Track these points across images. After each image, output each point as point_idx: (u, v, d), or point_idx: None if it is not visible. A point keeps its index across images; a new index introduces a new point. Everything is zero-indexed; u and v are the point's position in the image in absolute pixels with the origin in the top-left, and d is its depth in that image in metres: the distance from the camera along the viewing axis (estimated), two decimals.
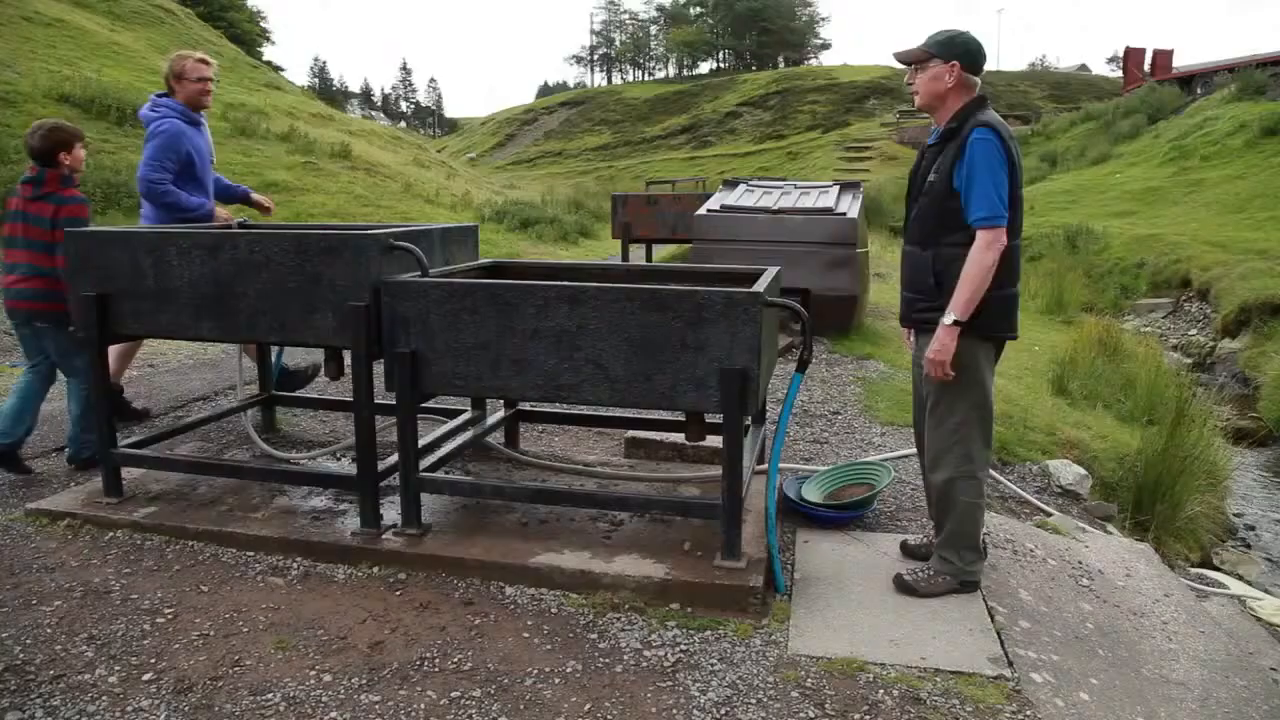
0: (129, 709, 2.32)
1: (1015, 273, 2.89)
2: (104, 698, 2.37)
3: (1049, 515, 4.14)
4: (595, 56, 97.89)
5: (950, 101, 2.85)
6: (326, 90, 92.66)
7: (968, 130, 2.77)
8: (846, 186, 7.87)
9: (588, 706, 2.37)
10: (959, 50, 2.82)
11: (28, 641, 2.61)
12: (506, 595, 2.94)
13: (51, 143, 3.83)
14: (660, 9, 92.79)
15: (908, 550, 3.29)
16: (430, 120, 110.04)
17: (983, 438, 2.96)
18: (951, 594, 2.99)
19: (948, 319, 2.78)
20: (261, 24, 42.38)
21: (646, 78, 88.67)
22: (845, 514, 3.60)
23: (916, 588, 2.99)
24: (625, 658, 2.59)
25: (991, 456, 2.94)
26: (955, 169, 2.78)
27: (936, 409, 2.96)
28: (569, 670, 2.53)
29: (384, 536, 3.23)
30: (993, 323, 2.84)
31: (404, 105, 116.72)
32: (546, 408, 4.40)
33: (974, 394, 2.89)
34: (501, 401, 4.25)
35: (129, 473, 3.70)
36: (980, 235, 2.72)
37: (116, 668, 2.50)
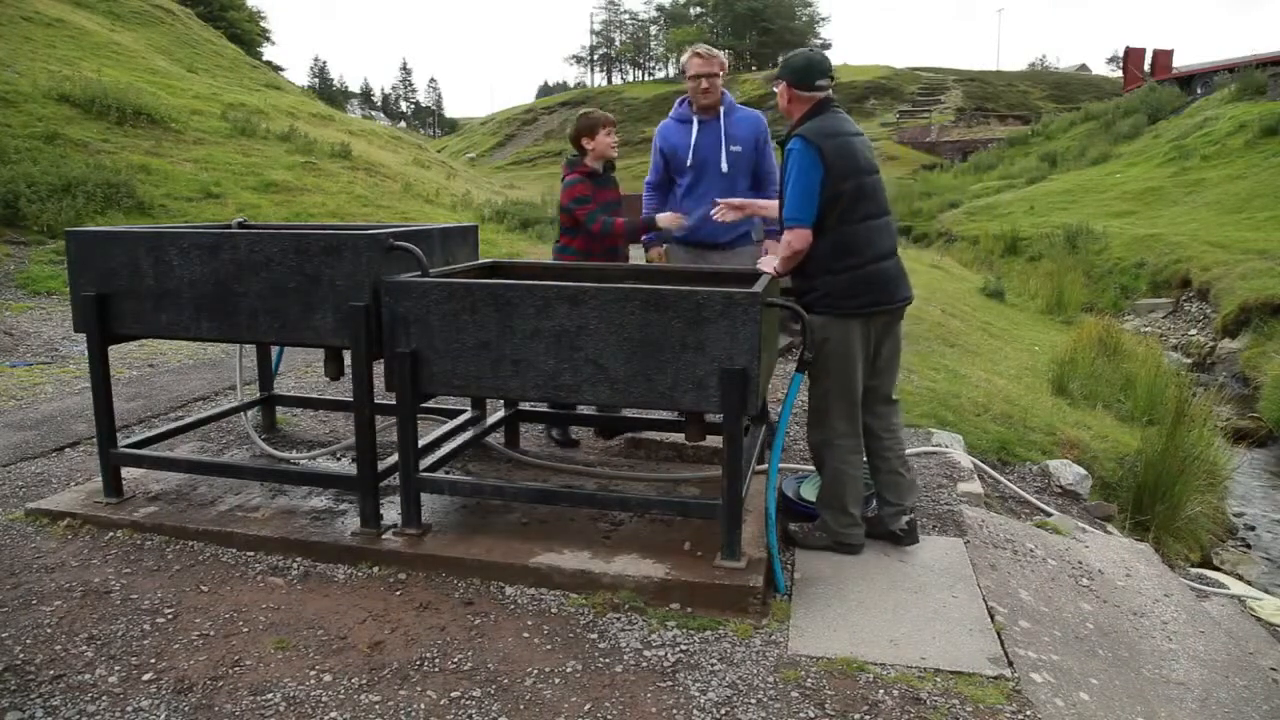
0: (129, 709, 2.32)
1: (859, 251, 3.10)
2: (104, 698, 2.37)
3: (1049, 515, 4.14)
4: (595, 56, 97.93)
5: (795, 113, 3.19)
6: (326, 90, 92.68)
7: (787, 142, 3.12)
8: None
9: (588, 706, 2.37)
10: (785, 71, 3.20)
11: (28, 641, 2.61)
12: (506, 595, 2.94)
13: (574, 130, 4.20)
14: (660, 9, 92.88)
15: (869, 523, 3.41)
16: (430, 120, 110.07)
17: (843, 410, 3.20)
18: (829, 551, 3.28)
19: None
20: (261, 24, 42.39)
21: (646, 78, 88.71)
22: None
23: (795, 537, 3.36)
24: (625, 658, 2.59)
25: (854, 427, 3.23)
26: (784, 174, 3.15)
27: (812, 380, 3.26)
28: (569, 670, 2.53)
29: (384, 536, 3.22)
30: (843, 300, 3.11)
31: (404, 105, 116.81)
32: (546, 408, 4.40)
33: (833, 367, 3.15)
34: (501, 401, 4.25)
35: (129, 473, 3.70)
36: (785, 233, 3.12)
37: (116, 668, 2.50)
